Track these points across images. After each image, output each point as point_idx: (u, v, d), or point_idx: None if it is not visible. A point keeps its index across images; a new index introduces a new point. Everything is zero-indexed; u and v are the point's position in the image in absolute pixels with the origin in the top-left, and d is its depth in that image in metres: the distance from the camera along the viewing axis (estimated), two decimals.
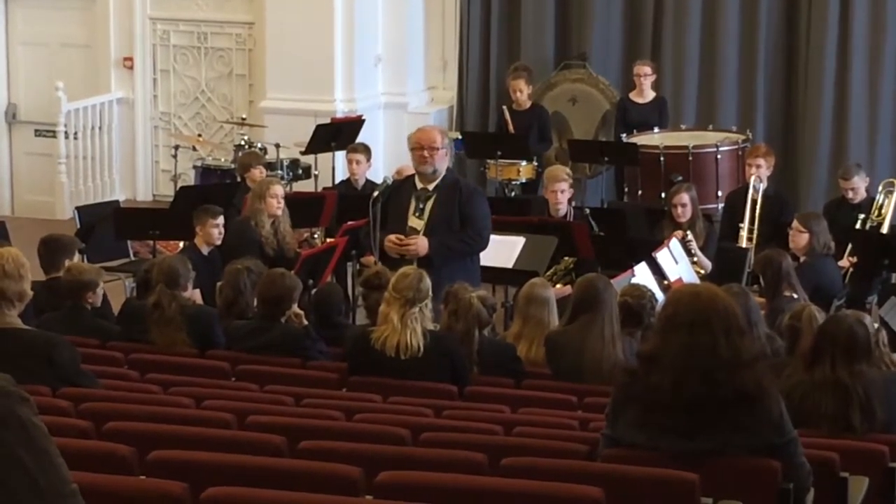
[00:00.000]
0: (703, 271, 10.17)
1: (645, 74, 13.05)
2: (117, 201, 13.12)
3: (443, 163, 8.59)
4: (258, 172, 11.32)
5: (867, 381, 5.79)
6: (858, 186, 10.92)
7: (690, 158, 12.27)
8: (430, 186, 8.58)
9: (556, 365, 7.25)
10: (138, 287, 8.45)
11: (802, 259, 9.67)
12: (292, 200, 10.61)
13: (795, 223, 9.89)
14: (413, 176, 8.74)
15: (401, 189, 8.72)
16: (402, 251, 8.41)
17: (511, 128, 13.05)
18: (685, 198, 10.58)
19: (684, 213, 10.55)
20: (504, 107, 13.26)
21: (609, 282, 7.47)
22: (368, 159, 11.87)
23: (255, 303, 7.83)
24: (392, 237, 8.44)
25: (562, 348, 7.19)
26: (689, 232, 10.39)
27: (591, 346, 7.08)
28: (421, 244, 8.41)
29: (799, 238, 9.78)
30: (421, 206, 8.56)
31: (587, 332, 7.11)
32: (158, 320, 7.57)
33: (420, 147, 8.56)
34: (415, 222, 8.54)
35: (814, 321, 6.52)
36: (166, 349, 7.49)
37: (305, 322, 7.70)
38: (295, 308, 7.66)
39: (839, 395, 5.75)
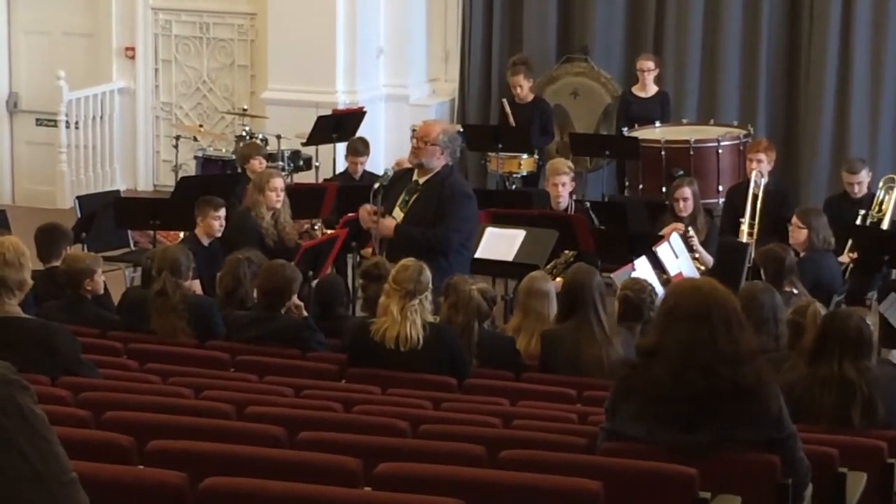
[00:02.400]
0: (703, 266, 10.15)
1: (648, 69, 13.03)
2: (118, 191, 13.11)
3: (432, 159, 8.56)
4: (258, 163, 11.31)
5: (871, 377, 5.79)
6: (864, 181, 10.93)
7: (692, 153, 12.27)
8: (422, 181, 8.61)
9: (552, 365, 7.21)
10: (143, 277, 8.44)
11: (802, 254, 9.67)
12: (293, 191, 10.61)
13: (795, 219, 9.87)
14: (413, 168, 8.78)
15: (400, 180, 8.79)
16: (369, 225, 8.55)
17: (512, 120, 13.03)
18: (687, 192, 10.57)
19: (686, 207, 10.54)
20: (504, 99, 13.26)
21: (593, 272, 7.38)
22: (368, 153, 11.93)
23: (255, 293, 7.83)
24: (367, 207, 8.55)
25: (557, 347, 7.16)
26: (689, 227, 10.38)
27: (586, 349, 7.05)
28: (386, 225, 8.49)
29: (798, 233, 9.77)
30: (407, 198, 8.61)
31: (579, 334, 7.09)
32: (161, 308, 7.57)
33: (414, 137, 8.65)
34: (397, 213, 8.61)
35: (818, 318, 6.50)
36: (166, 338, 7.49)
37: (305, 313, 7.70)
38: (295, 299, 7.66)
39: (843, 391, 5.74)
